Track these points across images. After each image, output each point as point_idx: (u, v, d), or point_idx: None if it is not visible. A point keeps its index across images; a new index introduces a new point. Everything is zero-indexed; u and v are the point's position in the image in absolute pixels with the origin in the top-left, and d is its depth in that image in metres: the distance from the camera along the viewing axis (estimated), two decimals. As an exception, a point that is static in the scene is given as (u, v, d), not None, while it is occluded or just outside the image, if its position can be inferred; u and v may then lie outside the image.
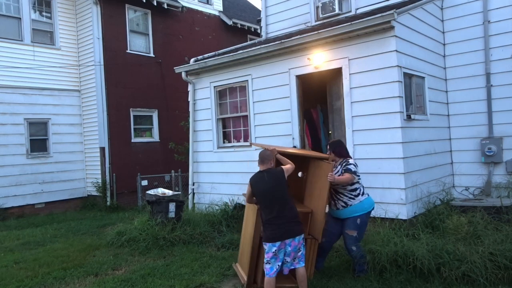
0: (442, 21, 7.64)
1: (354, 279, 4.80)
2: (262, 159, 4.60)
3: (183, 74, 8.89)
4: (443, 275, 4.50)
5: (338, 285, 4.70)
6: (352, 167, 4.88)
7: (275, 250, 4.20)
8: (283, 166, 4.63)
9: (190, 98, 8.97)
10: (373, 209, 5.03)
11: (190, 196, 8.90)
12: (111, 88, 12.06)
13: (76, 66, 12.40)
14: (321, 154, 5.71)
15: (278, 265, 4.26)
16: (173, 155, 11.93)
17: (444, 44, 7.63)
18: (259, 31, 12.44)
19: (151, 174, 11.94)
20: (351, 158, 5.13)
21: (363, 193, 4.94)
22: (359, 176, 4.92)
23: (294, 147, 7.05)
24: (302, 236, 4.34)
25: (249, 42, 11.04)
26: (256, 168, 4.69)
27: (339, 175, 4.84)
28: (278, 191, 4.37)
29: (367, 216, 4.97)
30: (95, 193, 12.12)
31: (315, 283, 4.75)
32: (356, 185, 4.90)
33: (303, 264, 4.36)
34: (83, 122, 12.42)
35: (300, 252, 4.32)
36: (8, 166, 10.93)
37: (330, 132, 7.81)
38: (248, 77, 7.87)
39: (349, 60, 6.46)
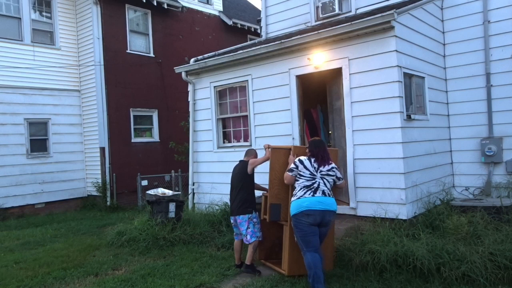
0: (442, 21, 7.64)
1: (353, 279, 4.79)
2: (246, 153, 5.79)
3: (183, 74, 8.88)
4: (443, 275, 4.50)
5: (338, 285, 4.70)
6: (293, 164, 4.90)
7: (232, 223, 5.60)
8: (252, 159, 5.57)
9: (190, 98, 8.97)
10: (302, 213, 4.61)
11: (190, 196, 8.90)
12: (111, 88, 12.06)
13: (76, 66, 12.40)
14: (300, 146, 6.07)
15: (236, 234, 5.57)
16: (173, 155, 11.93)
17: (444, 44, 7.63)
18: (259, 31, 12.44)
19: (151, 174, 11.94)
20: (313, 157, 4.88)
21: (302, 195, 4.71)
22: (302, 173, 4.79)
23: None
24: (243, 216, 5.36)
25: (249, 42, 11.04)
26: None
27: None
28: (237, 178, 5.55)
29: (297, 220, 4.67)
30: (95, 193, 12.12)
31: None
32: (297, 183, 4.82)
33: (253, 239, 5.31)
34: (83, 122, 12.42)
35: (243, 229, 5.36)
36: (8, 166, 10.93)
37: (330, 132, 7.81)
38: (248, 77, 7.86)
39: (349, 60, 6.46)
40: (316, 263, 4.53)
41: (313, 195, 4.67)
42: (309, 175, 4.77)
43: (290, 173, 4.89)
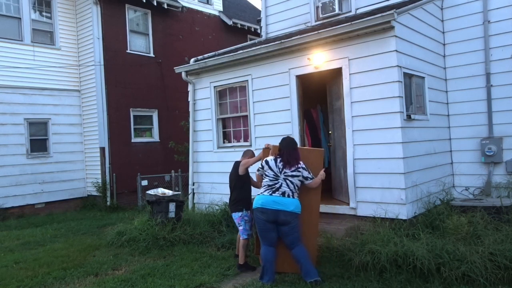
0: (442, 21, 7.64)
1: (353, 279, 4.79)
2: (242, 154, 5.94)
3: (183, 74, 8.89)
4: (443, 275, 4.50)
5: (338, 285, 4.70)
6: (260, 164, 5.28)
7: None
8: (245, 160, 5.75)
9: (190, 98, 8.97)
10: (257, 209, 4.96)
11: (190, 196, 8.90)
12: (111, 88, 12.06)
13: (76, 66, 12.40)
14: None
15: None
16: (173, 155, 11.93)
17: (444, 44, 7.63)
18: (259, 31, 12.44)
19: (151, 174, 11.94)
20: (280, 157, 5.07)
21: (262, 192, 5.03)
22: (266, 174, 5.05)
23: None
24: (235, 214, 5.60)
25: (249, 42, 11.04)
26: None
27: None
28: (230, 179, 5.77)
29: (255, 215, 5.05)
30: (95, 193, 12.12)
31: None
32: (263, 182, 5.12)
33: (243, 237, 5.50)
34: (83, 122, 12.42)
35: (237, 226, 5.65)
36: (8, 166, 10.93)
37: (330, 132, 7.81)
38: (248, 77, 7.86)
39: (349, 60, 6.46)
40: (267, 256, 4.93)
41: (271, 194, 4.95)
42: (273, 176, 5.01)
43: (257, 172, 5.33)
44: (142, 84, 12.77)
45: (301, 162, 5.05)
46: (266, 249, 4.97)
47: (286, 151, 5.04)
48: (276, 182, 4.97)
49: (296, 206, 4.92)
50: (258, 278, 5.03)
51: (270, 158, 5.13)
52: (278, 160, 5.04)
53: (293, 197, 4.93)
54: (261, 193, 5.03)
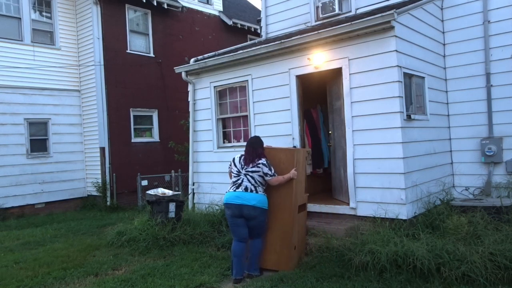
0: (442, 21, 7.64)
1: (353, 279, 4.79)
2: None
3: (183, 74, 8.88)
4: (443, 275, 4.50)
5: (338, 285, 4.69)
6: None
7: None
8: None
9: (190, 98, 8.97)
10: (224, 205, 5.31)
11: (190, 196, 8.90)
12: (111, 88, 12.06)
13: (76, 66, 12.40)
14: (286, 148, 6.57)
15: None
16: (173, 155, 11.93)
17: (444, 44, 7.63)
18: (259, 31, 12.44)
19: (151, 174, 11.94)
20: (243, 155, 5.46)
21: (228, 189, 5.36)
22: (232, 170, 5.42)
23: (294, 147, 7.05)
24: None
25: (249, 42, 11.04)
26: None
27: None
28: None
29: (225, 211, 5.42)
30: (95, 193, 12.12)
31: (313, 283, 4.75)
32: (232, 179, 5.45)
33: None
34: (83, 122, 12.42)
35: None
36: (8, 166, 10.93)
37: (330, 132, 7.81)
38: (248, 77, 7.86)
39: (349, 60, 6.46)
40: (236, 252, 5.13)
41: (234, 190, 5.25)
42: (236, 172, 5.36)
43: (228, 170, 5.60)
44: (142, 84, 12.78)
45: (263, 159, 5.31)
46: (235, 244, 5.19)
47: (247, 149, 5.41)
48: (238, 178, 5.30)
49: (258, 201, 5.14)
50: (258, 277, 5.04)
51: (236, 156, 5.49)
52: (242, 157, 5.40)
53: (256, 192, 5.18)
54: (228, 190, 5.36)
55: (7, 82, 10.97)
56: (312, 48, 6.85)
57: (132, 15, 12.85)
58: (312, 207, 6.78)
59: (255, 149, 5.38)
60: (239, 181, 5.26)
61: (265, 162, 5.28)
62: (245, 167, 5.29)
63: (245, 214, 5.12)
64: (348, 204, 6.52)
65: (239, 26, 15.54)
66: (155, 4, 12.83)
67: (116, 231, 7.33)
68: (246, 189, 5.18)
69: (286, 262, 5.37)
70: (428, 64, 7.03)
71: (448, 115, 7.59)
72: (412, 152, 6.21)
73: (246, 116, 7.96)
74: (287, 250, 5.40)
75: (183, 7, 13.90)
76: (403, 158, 5.93)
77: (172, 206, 7.12)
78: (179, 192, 9.73)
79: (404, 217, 5.88)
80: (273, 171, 5.30)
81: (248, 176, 5.24)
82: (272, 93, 7.48)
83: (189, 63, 8.81)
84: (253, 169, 5.25)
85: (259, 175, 5.24)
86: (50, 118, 11.77)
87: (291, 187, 5.47)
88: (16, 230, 9.08)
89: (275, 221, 5.47)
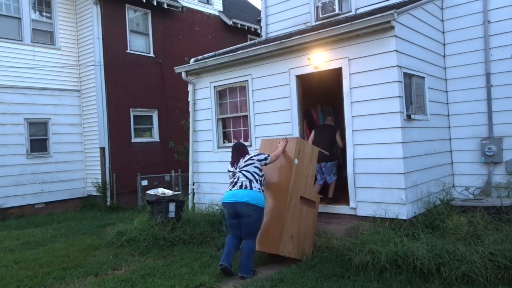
0: (442, 21, 7.64)
1: (353, 279, 4.79)
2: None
3: (183, 74, 8.89)
4: (443, 275, 4.50)
5: (338, 285, 4.69)
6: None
7: None
8: None
9: (190, 98, 8.97)
10: (222, 204, 5.42)
11: (190, 196, 8.90)
12: (111, 88, 12.06)
13: (76, 66, 12.40)
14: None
15: None
16: (173, 155, 11.93)
17: (444, 44, 7.63)
18: (259, 31, 12.44)
19: (151, 174, 11.94)
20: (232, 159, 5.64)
21: (226, 189, 5.45)
22: (229, 175, 5.52)
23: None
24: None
25: (249, 42, 11.04)
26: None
27: None
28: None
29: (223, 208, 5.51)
30: (95, 193, 12.12)
31: (313, 283, 4.75)
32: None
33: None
34: (83, 122, 12.42)
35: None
36: (8, 166, 10.93)
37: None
38: (248, 77, 7.86)
39: (349, 60, 6.46)
40: (229, 242, 5.27)
41: (230, 190, 5.34)
42: (232, 173, 5.48)
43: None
44: (142, 84, 12.77)
45: (250, 153, 5.55)
46: (230, 237, 5.35)
47: (234, 154, 5.57)
48: (234, 177, 5.39)
49: (251, 197, 5.14)
50: (258, 278, 5.04)
51: (229, 163, 5.63)
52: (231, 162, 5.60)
53: (250, 187, 5.20)
54: (227, 190, 5.45)
55: (7, 82, 10.96)
56: (312, 48, 6.85)
57: (132, 15, 12.85)
58: (312, 207, 6.78)
59: (241, 150, 5.59)
60: (235, 180, 5.35)
61: (255, 153, 5.54)
62: (238, 165, 5.41)
63: (238, 212, 5.16)
64: (348, 204, 6.52)
65: (239, 26, 15.54)
66: (155, 4, 12.82)
67: (116, 231, 7.33)
68: (241, 186, 5.25)
69: (277, 245, 5.41)
70: (428, 64, 7.03)
71: (448, 115, 7.59)
72: (412, 152, 6.21)
73: (246, 116, 7.96)
74: (279, 234, 5.42)
75: (183, 7, 13.90)
76: (403, 158, 5.93)
77: (172, 206, 7.12)
78: (179, 192, 9.73)
79: (404, 217, 5.88)
80: (266, 154, 5.52)
81: (243, 172, 5.32)
82: (272, 93, 7.48)
83: (189, 63, 8.81)
84: (246, 162, 5.37)
85: (255, 166, 5.35)
86: (50, 118, 11.76)
87: (290, 169, 5.63)
88: (16, 230, 9.07)
89: (273, 200, 5.62)
